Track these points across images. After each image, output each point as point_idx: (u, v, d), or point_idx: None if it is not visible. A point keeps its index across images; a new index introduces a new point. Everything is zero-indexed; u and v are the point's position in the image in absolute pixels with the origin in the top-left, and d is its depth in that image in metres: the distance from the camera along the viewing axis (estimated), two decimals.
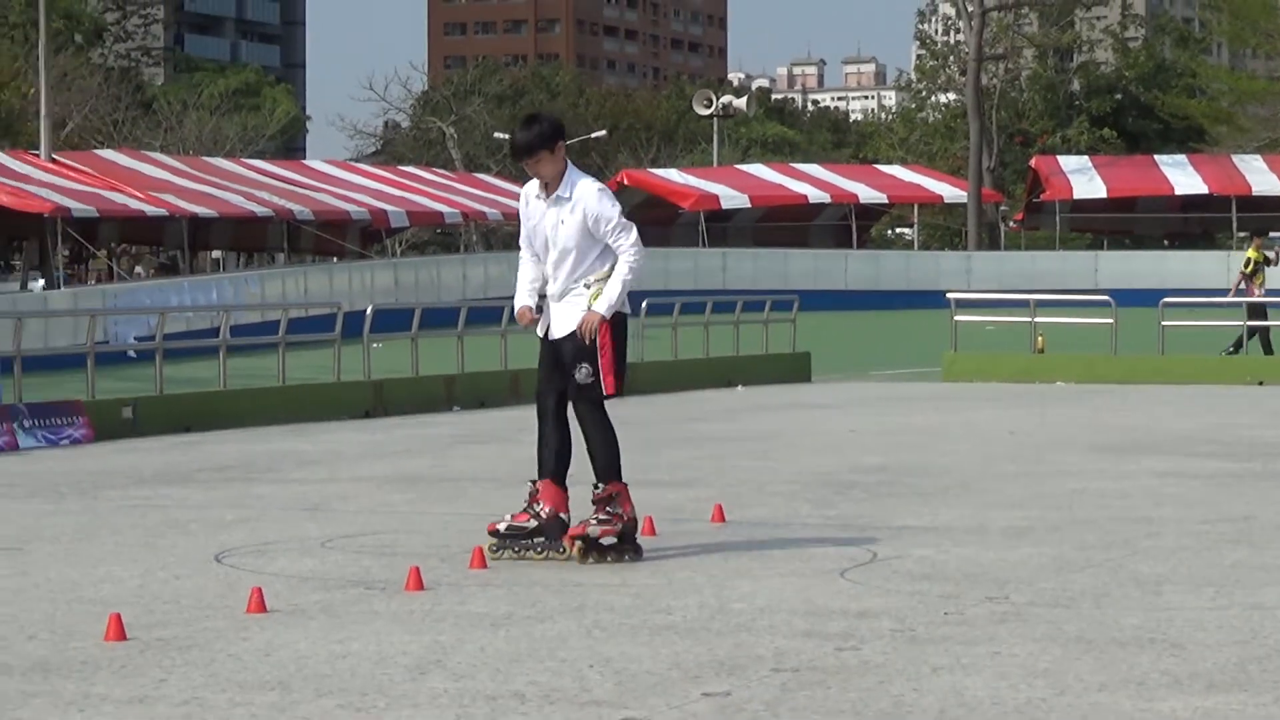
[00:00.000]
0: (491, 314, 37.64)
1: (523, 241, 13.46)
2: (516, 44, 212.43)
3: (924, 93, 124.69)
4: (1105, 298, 42.99)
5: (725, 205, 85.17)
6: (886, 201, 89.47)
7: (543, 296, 13.32)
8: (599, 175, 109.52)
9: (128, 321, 42.67)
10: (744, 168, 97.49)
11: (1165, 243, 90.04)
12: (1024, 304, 43.07)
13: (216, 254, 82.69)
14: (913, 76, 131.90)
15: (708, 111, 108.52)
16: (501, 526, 13.01)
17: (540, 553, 12.90)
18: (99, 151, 75.87)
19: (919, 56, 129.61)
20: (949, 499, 17.17)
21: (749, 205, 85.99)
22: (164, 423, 26.54)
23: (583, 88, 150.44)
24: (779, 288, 55.20)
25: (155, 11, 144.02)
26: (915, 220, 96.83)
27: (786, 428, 26.71)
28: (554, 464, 13.13)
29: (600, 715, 8.17)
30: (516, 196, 57.56)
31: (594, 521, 12.86)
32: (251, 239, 75.66)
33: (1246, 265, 44.15)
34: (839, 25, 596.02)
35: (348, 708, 8.34)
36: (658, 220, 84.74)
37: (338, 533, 14.87)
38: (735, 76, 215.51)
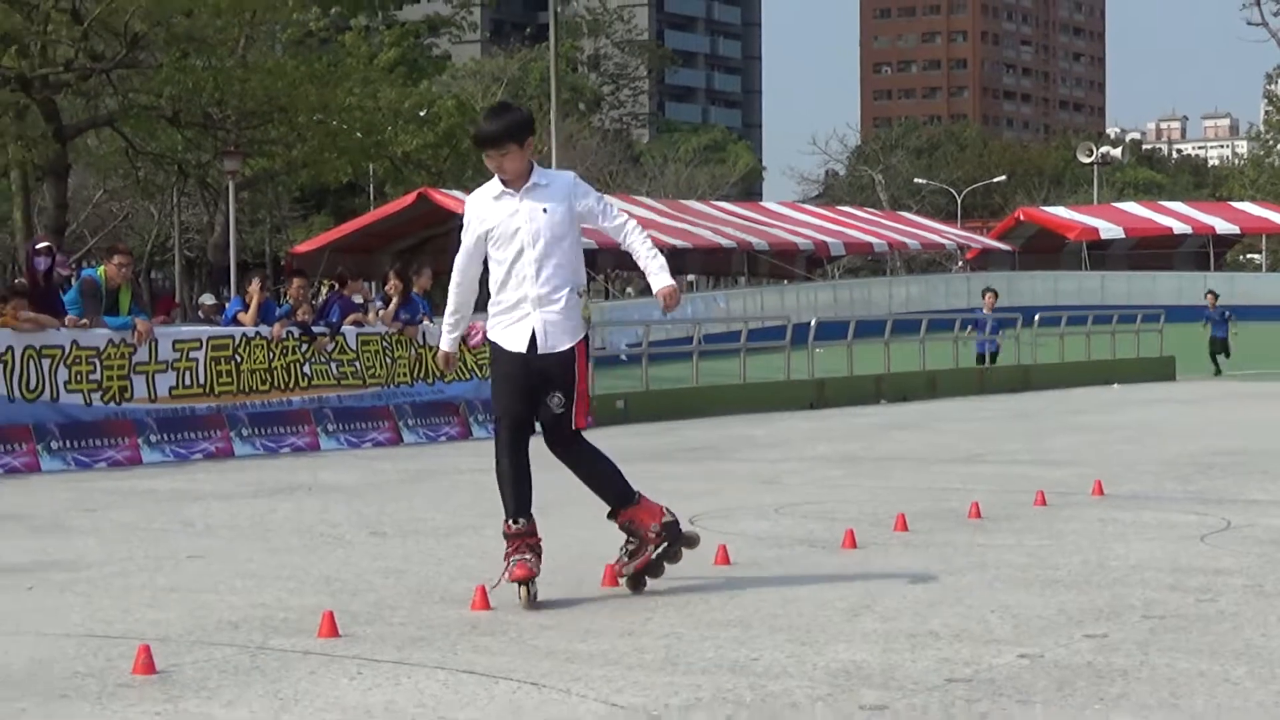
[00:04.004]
0: (912, 325, 37.53)
1: (465, 259, 9.78)
2: (932, 107, 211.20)
3: (1271, 141, 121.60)
4: None
5: (1104, 236, 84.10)
6: (1239, 232, 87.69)
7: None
8: (999, 213, 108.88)
9: (620, 332, 43.24)
10: (1119, 205, 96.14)
11: None
12: None
13: (690, 278, 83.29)
14: (1261, 129, 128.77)
15: (1089, 160, 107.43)
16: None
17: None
18: None
19: (1267, 112, 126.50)
20: None
21: (1123, 236, 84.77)
22: (649, 413, 26.83)
23: (986, 141, 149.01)
24: (1148, 304, 54.07)
25: (642, 85, 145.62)
26: (1264, 247, 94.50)
27: (1155, 418, 26.24)
28: (530, 496, 10.05)
29: (1000, 651, 8.08)
30: (936, 231, 57.41)
31: (625, 559, 10.03)
32: (718, 265, 76.10)
33: None
34: (1200, 87, 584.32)
35: (794, 641, 8.34)
36: (1048, 248, 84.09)
37: (787, 501, 14.89)
38: (1112, 130, 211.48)
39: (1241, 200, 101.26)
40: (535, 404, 9.76)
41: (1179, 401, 30.93)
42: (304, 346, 22.30)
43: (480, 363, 24.77)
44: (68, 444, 19.20)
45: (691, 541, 10.11)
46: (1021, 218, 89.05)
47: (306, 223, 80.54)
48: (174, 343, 20.87)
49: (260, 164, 50.84)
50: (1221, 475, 16.99)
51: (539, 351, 9.54)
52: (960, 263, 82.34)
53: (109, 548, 12.18)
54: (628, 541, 10.01)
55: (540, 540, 9.78)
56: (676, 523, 10.04)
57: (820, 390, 30.87)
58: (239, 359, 21.51)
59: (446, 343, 9.99)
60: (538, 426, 9.87)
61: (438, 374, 24.06)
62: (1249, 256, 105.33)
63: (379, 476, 17.91)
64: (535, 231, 9.52)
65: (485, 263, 9.74)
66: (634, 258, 9.92)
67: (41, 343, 19.55)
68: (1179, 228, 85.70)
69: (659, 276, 9.75)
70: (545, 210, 9.54)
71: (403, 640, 8.45)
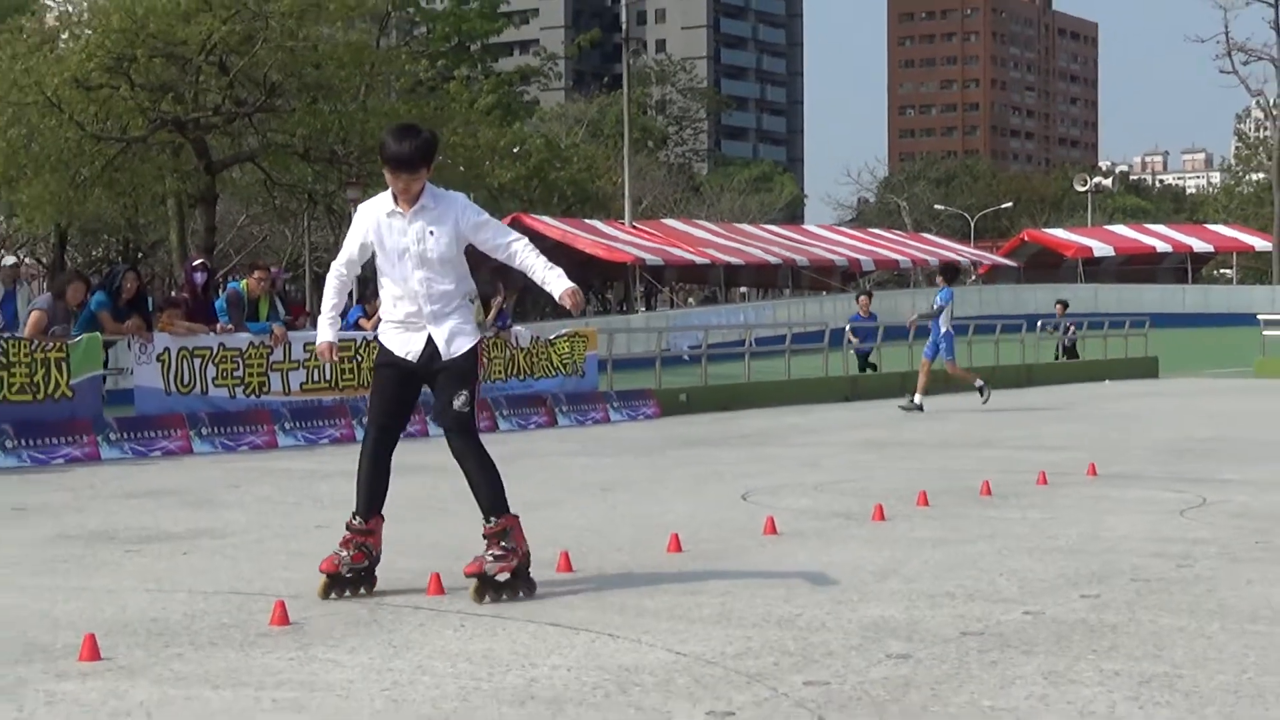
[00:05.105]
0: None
1: (344, 264, 8.76)
2: (949, 144, 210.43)
3: (1241, 173, 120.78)
4: None
5: (1097, 254, 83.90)
6: (1213, 250, 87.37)
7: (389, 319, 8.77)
8: (1006, 234, 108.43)
9: (683, 335, 43.17)
10: (1110, 227, 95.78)
11: None
12: None
13: (743, 289, 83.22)
14: (1232, 162, 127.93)
15: (1084, 188, 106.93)
16: (345, 570, 8.57)
17: (356, 590, 8.62)
18: (664, 220, 76.99)
19: (1237, 148, 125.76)
20: (1259, 460, 16.60)
21: (1114, 254, 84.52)
22: (708, 404, 26.80)
23: (995, 173, 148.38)
24: (1135, 311, 53.81)
25: (701, 125, 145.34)
26: (1234, 264, 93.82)
27: (1141, 410, 26.09)
28: (381, 498, 8.82)
29: (1007, 609, 8.05)
30: (952, 250, 55.43)
31: (489, 559, 8.48)
32: (767, 279, 76.12)
33: None
34: (1180, 126, 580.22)
35: (831, 600, 8.33)
36: (1049, 264, 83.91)
37: (826, 480, 14.87)
38: (1104, 164, 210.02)
39: (1215, 223, 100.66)
40: (408, 413, 8.83)
41: (1161, 395, 30.74)
42: None
43: (565, 360, 24.82)
44: (215, 430, 19.31)
45: (531, 589, 8.58)
46: (1026, 238, 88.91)
47: None
48: (304, 344, 20.95)
49: (377, 192, 51.05)
50: (1198, 459, 16.89)
51: (443, 359, 8.50)
52: (973, 276, 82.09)
53: (250, 518, 12.25)
54: (496, 546, 8.51)
55: (376, 542, 8.70)
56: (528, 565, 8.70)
57: (854, 386, 30.77)
58: (359, 358, 21.58)
59: (330, 334, 8.84)
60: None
61: (527, 371, 24.12)
62: (1221, 271, 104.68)
63: None
64: (422, 253, 8.48)
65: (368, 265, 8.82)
66: (529, 273, 8.64)
67: (193, 344, 19.71)
68: (1161, 247, 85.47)
69: (558, 282, 8.51)
70: (432, 233, 8.48)
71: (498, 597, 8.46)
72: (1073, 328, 40.56)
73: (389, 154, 8.44)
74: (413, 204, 8.51)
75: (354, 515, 8.70)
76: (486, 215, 8.71)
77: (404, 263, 8.52)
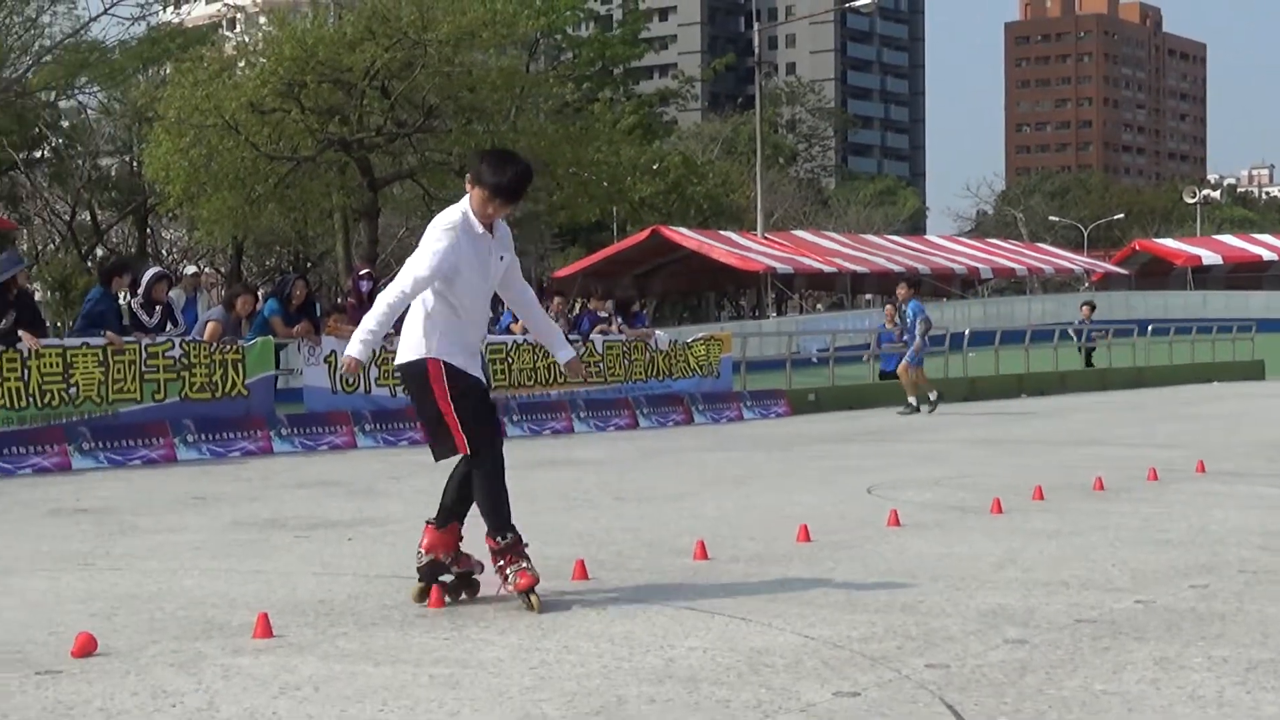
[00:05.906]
0: (1046, 335, 37.04)
1: (423, 285, 7.59)
2: (1063, 159, 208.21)
3: None
4: None
5: (1205, 262, 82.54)
6: None
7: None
8: (1118, 244, 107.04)
9: (812, 339, 43.01)
10: (1218, 237, 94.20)
11: None
12: None
13: (868, 296, 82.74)
14: None
15: (1193, 200, 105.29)
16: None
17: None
18: (794, 231, 76.73)
19: None
20: None
21: (1221, 262, 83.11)
22: (835, 404, 26.71)
23: (1107, 186, 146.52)
24: (1242, 317, 52.94)
25: (829, 143, 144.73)
26: None
27: (1247, 410, 25.65)
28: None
29: (1119, 597, 7.93)
30: (1066, 259, 53.41)
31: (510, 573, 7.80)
32: (890, 286, 75.47)
33: None
34: None
35: (950, 588, 8.25)
36: (1159, 272, 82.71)
37: (944, 474, 14.74)
38: (1212, 176, 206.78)
39: None
40: None
41: (1267, 396, 30.23)
42: None
43: (701, 362, 24.80)
44: (377, 426, 19.49)
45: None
46: (1137, 247, 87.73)
47: (564, 253, 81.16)
48: None
49: (527, 207, 51.30)
50: None
51: (492, 386, 7.91)
52: (1086, 284, 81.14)
53: (410, 508, 12.33)
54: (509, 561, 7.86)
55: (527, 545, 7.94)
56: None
57: (972, 386, 30.54)
58: (510, 360, 21.71)
59: (359, 350, 7.70)
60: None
61: (666, 372, 24.12)
62: None
63: (620, 453, 17.97)
64: (492, 278, 7.81)
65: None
66: (532, 323, 8.29)
67: None
68: (1267, 255, 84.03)
69: (563, 351, 8.18)
70: (502, 259, 7.80)
71: (639, 583, 8.47)
72: (1097, 334, 37.70)
73: (491, 183, 7.58)
74: (491, 229, 7.76)
75: (499, 536, 7.82)
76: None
77: (479, 285, 7.76)
